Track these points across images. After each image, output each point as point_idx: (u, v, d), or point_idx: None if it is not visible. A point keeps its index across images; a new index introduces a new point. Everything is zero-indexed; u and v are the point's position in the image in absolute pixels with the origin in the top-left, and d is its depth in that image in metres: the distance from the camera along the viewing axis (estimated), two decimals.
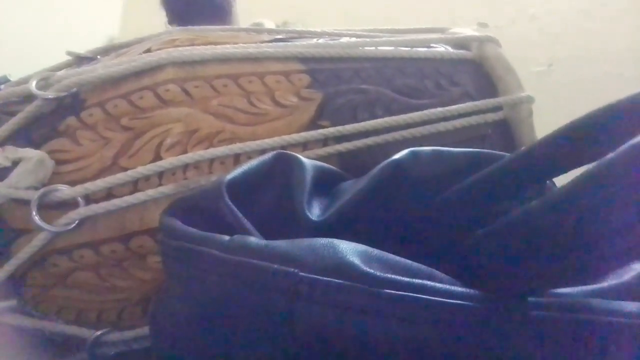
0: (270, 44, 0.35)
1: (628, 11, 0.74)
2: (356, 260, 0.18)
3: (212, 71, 0.32)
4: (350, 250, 0.19)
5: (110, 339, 0.31)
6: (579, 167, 0.18)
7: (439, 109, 0.34)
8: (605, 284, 0.20)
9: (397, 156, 0.24)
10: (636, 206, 0.14)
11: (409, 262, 0.19)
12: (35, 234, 0.29)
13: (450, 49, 0.39)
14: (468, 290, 0.18)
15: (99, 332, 0.31)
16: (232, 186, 0.24)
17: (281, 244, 0.20)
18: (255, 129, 0.32)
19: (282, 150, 0.27)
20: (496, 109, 0.37)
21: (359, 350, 0.17)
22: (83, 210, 0.29)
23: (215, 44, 0.34)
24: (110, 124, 0.30)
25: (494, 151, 0.25)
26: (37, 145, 0.30)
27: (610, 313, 0.17)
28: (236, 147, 0.31)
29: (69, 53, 0.39)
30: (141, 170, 0.29)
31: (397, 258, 0.19)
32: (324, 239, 0.20)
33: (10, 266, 0.29)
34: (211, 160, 0.30)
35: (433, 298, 0.17)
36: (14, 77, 0.36)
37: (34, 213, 0.28)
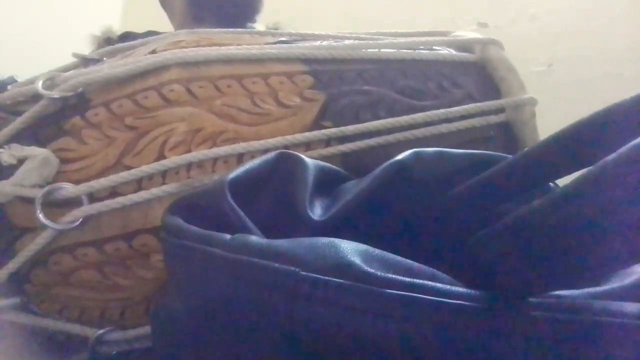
0: (274, 45, 0.36)
1: (628, 11, 0.74)
2: (357, 260, 0.18)
3: (216, 72, 0.33)
4: (351, 250, 0.19)
5: (112, 338, 0.31)
6: (582, 168, 0.18)
7: (442, 111, 0.35)
8: (607, 286, 0.20)
9: (400, 157, 0.24)
10: (638, 207, 0.14)
11: (410, 262, 0.19)
12: (39, 232, 0.29)
13: (453, 52, 0.39)
14: (469, 290, 0.18)
15: (101, 331, 0.31)
16: (235, 185, 0.24)
17: (282, 243, 0.20)
18: (259, 129, 0.32)
19: (284, 150, 0.27)
20: (499, 110, 0.37)
21: (359, 350, 0.17)
22: (87, 209, 0.29)
23: (220, 45, 0.34)
24: (115, 123, 0.31)
25: (496, 153, 0.25)
26: (42, 144, 0.30)
27: (611, 314, 0.17)
28: (239, 146, 0.31)
29: (75, 55, 0.39)
30: (145, 169, 0.29)
31: (399, 258, 0.19)
32: (325, 238, 0.20)
33: (13, 264, 0.29)
34: (214, 160, 0.31)
35: (434, 298, 0.17)
36: (17, 78, 0.36)
37: (39, 211, 0.28)
